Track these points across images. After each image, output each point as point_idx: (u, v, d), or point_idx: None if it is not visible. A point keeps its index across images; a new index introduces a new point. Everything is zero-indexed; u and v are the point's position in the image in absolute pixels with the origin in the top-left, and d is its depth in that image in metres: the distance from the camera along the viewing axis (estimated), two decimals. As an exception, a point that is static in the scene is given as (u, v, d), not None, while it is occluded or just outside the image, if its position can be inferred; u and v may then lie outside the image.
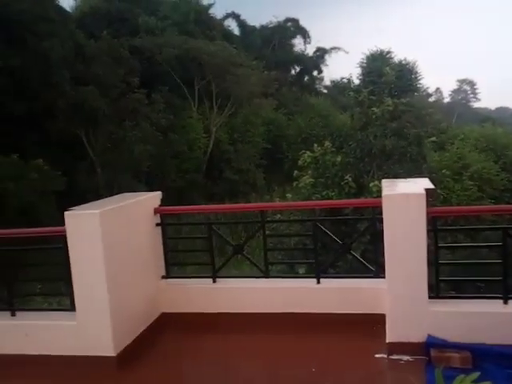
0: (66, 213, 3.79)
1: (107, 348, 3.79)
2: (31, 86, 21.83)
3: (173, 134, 27.21)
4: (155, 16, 33.82)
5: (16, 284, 4.29)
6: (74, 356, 3.83)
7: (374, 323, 4.00)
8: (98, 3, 32.74)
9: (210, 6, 38.99)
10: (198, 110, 31.16)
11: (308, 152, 15.06)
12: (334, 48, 46.93)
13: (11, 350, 3.97)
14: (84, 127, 23.47)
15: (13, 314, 4.13)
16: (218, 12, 43.21)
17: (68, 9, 29.98)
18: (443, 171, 14.97)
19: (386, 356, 3.67)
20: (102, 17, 30.76)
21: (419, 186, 3.79)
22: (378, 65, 32.25)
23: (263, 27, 44.76)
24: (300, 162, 15.08)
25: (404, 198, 3.66)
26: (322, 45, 47.43)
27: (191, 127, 29.54)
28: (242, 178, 30.36)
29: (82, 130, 23.51)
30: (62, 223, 3.90)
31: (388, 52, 35.73)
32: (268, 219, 5.16)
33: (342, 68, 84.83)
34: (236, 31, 44.23)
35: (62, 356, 3.86)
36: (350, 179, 13.54)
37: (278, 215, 11.92)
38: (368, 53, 36.54)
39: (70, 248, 3.80)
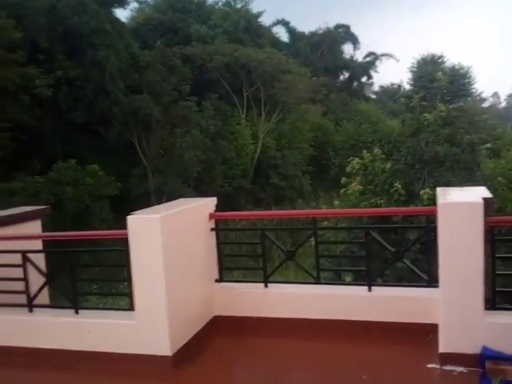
0: (128, 217, 3.98)
1: (164, 348, 3.94)
2: (88, 95, 22.83)
3: (221, 141, 27.65)
4: (206, 25, 34.57)
5: (80, 283, 4.53)
6: (133, 354, 4.00)
7: (426, 333, 3.97)
8: (152, 14, 33.85)
9: (260, 14, 39.46)
10: (247, 117, 31.52)
11: (356, 158, 14.90)
12: (384, 54, 46.34)
13: (75, 346, 4.18)
14: (137, 134, 24.28)
15: (76, 312, 4.36)
16: (267, 19, 43.59)
17: (124, 20, 31.17)
18: (498, 179, 14.42)
19: (438, 366, 3.64)
20: (156, 27, 31.75)
21: (476, 194, 3.74)
22: (429, 69, 31.50)
23: (312, 33, 44.77)
24: (348, 169, 14.92)
25: (461, 206, 3.62)
26: (371, 49, 46.93)
27: (239, 134, 29.92)
28: (289, 184, 30.41)
29: (136, 136, 24.32)
30: (115, 227, 4.08)
31: (440, 56, 34.86)
32: (318, 226, 5.19)
33: (392, 73, 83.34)
34: (285, 38, 44.52)
35: (121, 353, 4.03)
36: (399, 186, 13.27)
37: (326, 222, 11.88)
38: (419, 57, 35.78)
39: (131, 250, 3.98)
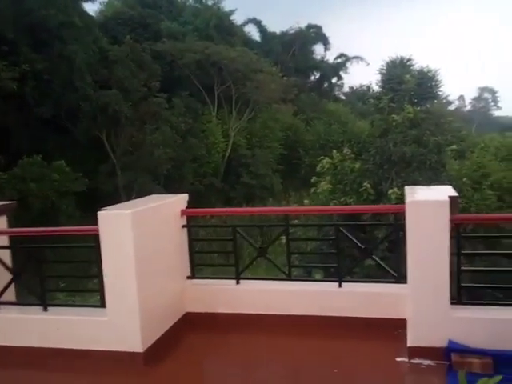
0: (99, 212, 3.93)
1: (135, 344, 3.92)
2: (55, 90, 22.30)
3: (192, 138, 27.50)
4: (177, 21, 34.27)
5: (47, 280, 4.44)
6: (104, 351, 3.96)
7: (394, 328, 4.07)
8: (122, 8, 33.31)
9: (232, 12, 39.35)
10: (218, 115, 31.44)
11: (326, 158, 15.10)
12: (355, 57, 46.97)
13: (43, 344, 4.11)
14: (106, 130, 23.89)
15: (45, 309, 4.28)
16: (239, 18, 43.54)
17: (92, 14, 30.55)
18: (463, 180, 14.87)
19: (407, 360, 3.74)
20: (125, 22, 31.26)
21: (442, 193, 3.86)
22: (398, 72, 32.10)
23: (284, 33, 44.97)
24: (318, 168, 15.12)
25: (428, 204, 3.73)
26: (342, 51, 47.54)
27: (210, 131, 29.82)
28: (260, 182, 30.50)
29: (104, 132, 23.93)
30: (82, 223, 4.02)
31: (409, 59, 35.51)
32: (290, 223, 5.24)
33: (362, 74, 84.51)
34: (256, 37, 44.55)
35: (92, 350, 3.99)
36: (368, 186, 13.54)
37: (296, 220, 12.01)
38: (388, 60, 36.43)
39: (102, 246, 3.94)
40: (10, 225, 5.21)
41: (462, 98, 59.40)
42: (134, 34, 28.57)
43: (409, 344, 3.78)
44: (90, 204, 14.14)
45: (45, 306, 4.29)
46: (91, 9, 43.17)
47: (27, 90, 21.40)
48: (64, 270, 10.69)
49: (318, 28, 45.94)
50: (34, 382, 3.95)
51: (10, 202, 5.35)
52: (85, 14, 26.67)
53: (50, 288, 4.95)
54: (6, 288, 4.35)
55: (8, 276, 4.38)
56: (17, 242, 4.76)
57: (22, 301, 4.70)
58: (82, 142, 23.71)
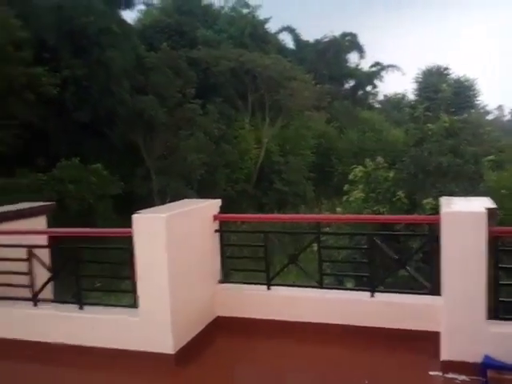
0: (134, 215, 4.01)
1: (167, 346, 3.96)
2: (94, 95, 22.91)
3: (225, 144, 27.73)
4: (212, 29, 34.72)
5: (83, 279, 4.55)
6: (135, 351, 4.02)
7: (427, 340, 3.98)
8: (159, 16, 34.00)
9: (266, 20, 39.63)
10: (251, 122, 31.62)
11: (359, 166, 14.96)
12: (390, 66, 46.46)
13: (77, 341, 4.21)
14: (142, 135, 24.36)
15: (81, 308, 4.39)
16: (273, 26, 43.74)
17: (131, 22, 31.31)
18: (502, 191, 14.46)
19: (441, 374, 3.65)
20: (162, 29, 31.89)
21: (480, 204, 3.77)
22: (434, 81, 31.66)
23: (318, 41, 44.93)
24: (351, 177, 14.99)
25: (465, 216, 3.65)
26: (377, 59, 47.13)
27: (243, 138, 29.99)
28: (292, 189, 30.45)
29: (140, 137, 24.41)
30: (117, 226, 4.09)
31: (445, 68, 35.10)
32: (322, 231, 5.22)
33: (397, 83, 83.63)
34: (290, 45, 44.70)
35: (123, 350, 4.06)
36: (402, 195, 13.33)
37: (327, 228, 11.92)
38: (424, 68, 35.95)
39: (136, 248, 4.01)
40: (49, 225, 5.39)
41: (500, 107, 57.99)
42: (171, 42, 29.13)
43: (442, 358, 3.69)
44: (126, 207, 14.45)
45: (80, 304, 4.39)
46: (130, 17, 44.26)
47: (67, 96, 22.08)
48: (99, 270, 10.96)
49: (353, 36, 45.70)
50: (65, 378, 4.04)
51: (50, 203, 5.53)
52: (123, 21, 27.36)
53: (86, 287, 5.07)
54: (44, 286, 4.48)
55: (47, 274, 4.52)
56: (55, 242, 4.91)
57: (59, 299, 4.84)
58: (118, 147, 24.27)
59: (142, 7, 37.20)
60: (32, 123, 20.20)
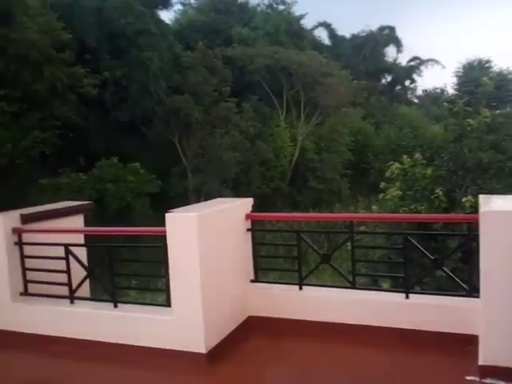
0: (166, 214, 4.05)
1: (198, 345, 3.99)
2: (132, 95, 23.39)
3: (260, 142, 27.76)
4: (248, 27, 34.79)
5: (119, 278, 4.64)
6: (168, 349, 4.07)
7: (465, 344, 3.86)
8: (196, 16, 34.36)
9: (302, 16, 39.41)
10: (286, 119, 31.52)
11: (396, 163, 14.64)
12: (430, 60, 45.35)
13: (112, 339, 4.29)
14: (178, 133, 24.70)
15: (115, 306, 4.47)
16: (309, 22, 43.49)
17: (168, 22, 31.76)
18: (546, 189, 13.87)
19: (478, 379, 3.53)
20: (198, 28, 32.18)
21: (520, 203, 3.62)
22: (475, 74, 30.66)
23: (354, 36, 44.35)
24: (387, 174, 14.68)
25: (504, 215, 3.51)
26: (415, 53, 46.09)
27: (278, 136, 29.94)
28: (327, 187, 30.21)
29: (176, 136, 24.76)
30: (154, 223, 4.14)
31: (487, 61, 33.93)
32: (355, 230, 5.13)
33: (436, 77, 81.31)
34: (326, 41, 44.29)
35: (156, 348, 4.11)
36: (440, 193, 12.95)
37: (363, 227, 11.72)
38: (465, 62, 34.90)
39: (168, 247, 4.05)
40: (89, 223, 5.53)
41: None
42: (207, 40, 29.36)
43: (480, 362, 3.57)
44: (162, 204, 14.67)
45: (115, 302, 4.47)
46: (167, 17, 44.94)
47: (106, 96, 22.64)
48: (137, 269, 11.19)
49: (391, 29, 44.85)
50: (99, 375, 4.13)
51: (87, 202, 5.67)
52: (160, 22, 27.80)
53: (123, 285, 5.17)
54: (81, 283, 4.59)
55: (83, 272, 4.63)
56: (92, 240, 5.03)
57: (95, 297, 4.96)
58: (155, 145, 24.69)
59: (179, 7, 37.78)
60: (73, 123, 20.81)
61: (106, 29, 23.64)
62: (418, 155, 14.39)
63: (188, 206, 4.54)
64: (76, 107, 21.09)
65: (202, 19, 33.12)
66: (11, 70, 18.30)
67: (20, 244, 4.68)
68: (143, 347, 4.15)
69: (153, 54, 24.00)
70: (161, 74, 24.32)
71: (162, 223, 4.08)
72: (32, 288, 4.73)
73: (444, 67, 47.00)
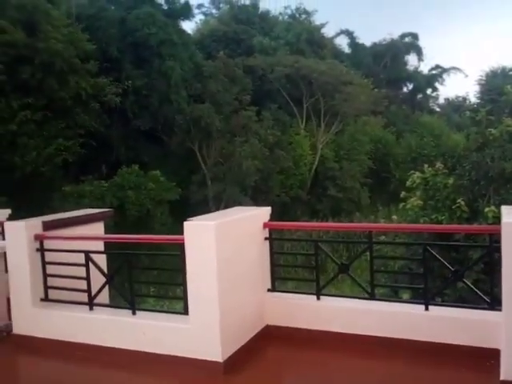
0: (185, 223, 4.08)
1: (215, 354, 3.99)
2: (153, 103, 23.69)
3: (279, 151, 27.76)
4: (269, 36, 34.98)
5: (138, 285, 4.68)
6: (185, 357, 4.07)
7: (485, 358, 3.78)
8: (217, 26, 34.70)
9: (323, 25, 39.52)
10: (305, 128, 31.50)
11: (417, 172, 14.46)
12: (452, 68, 44.93)
13: (130, 346, 4.32)
14: (198, 142, 24.89)
15: (133, 313, 4.50)
16: (330, 30, 43.55)
17: (189, 31, 32.16)
18: None
19: (499, 395, 3.45)
20: (220, 38, 32.49)
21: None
22: (499, 82, 30.21)
23: (376, 44, 44.20)
24: (408, 183, 14.50)
25: (526, 227, 3.45)
26: (437, 61, 45.76)
27: (298, 144, 29.92)
28: (347, 196, 30.01)
29: (196, 144, 24.94)
30: (174, 231, 4.15)
31: (511, 69, 33.37)
32: (374, 240, 5.08)
33: (458, 85, 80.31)
34: (347, 49, 44.25)
35: (173, 356, 4.12)
36: (462, 203, 12.74)
37: (383, 236, 11.59)
38: (488, 70, 34.44)
39: (187, 255, 4.08)
40: (109, 230, 5.60)
41: None
42: (228, 50, 29.64)
43: (502, 377, 3.48)
44: (182, 212, 14.78)
45: (133, 310, 4.51)
46: (188, 27, 45.56)
47: (127, 104, 22.97)
48: (154, 276, 11.26)
49: (413, 35, 44.48)
50: (115, 381, 4.16)
51: (107, 210, 5.75)
52: (182, 31, 28.15)
53: (141, 293, 5.21)
54: (100, 290, 4.64)
55: (102, 279, 4.68)
56: (112, 248, 5.09)
57: (114, 303, 5.01)
58: (175, 153, 24.91)
59: (201, 17, 38.27)
60: (95, 132, 21.16)
61: (128, 39, 24.04)
62: (439, 164, 14.21)
63: (206, 215, 4.57)
64: (98, 116, 21.44)
65: (223, 29, 33.42)
66: (36, 79, 18.72)
67: (42, 250, 4.77)
68: (160, 354, 4.17)
69: (174, 64, 24.28)
70: (182, 83, 24.58)
71: (182, 231, 4.11)
72: (52, 294, 4.80)
73: (467, 75, 46.50)
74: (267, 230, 4.80)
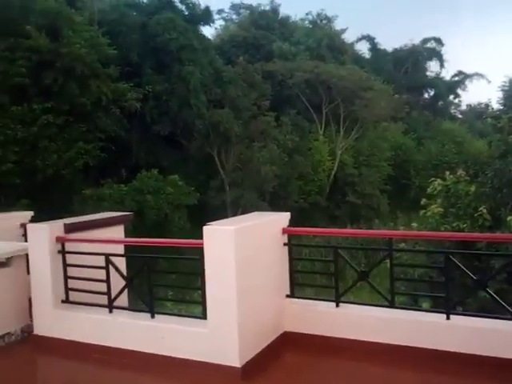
0: (204, 227, 4.09)
1: (233, 358, 3.98)
2: (172, 108, 23.88)
3: (298, 156, 27.72)
4: (289, 42, 35.04)
5: (157, 289, 4.70)
6: (203, 362, 4.07)
7: (509, 370, 3.70)
8: (237, 31, 34.91)
9: (343, 31, 39.48)
10: (325, 133, 31.41)
11: (438, 180, 14.29)
12: (475, 74, 44.38)
13: (148, 349, 4.33)
14: (217, 147, 24.99)
15: (152, 316, 4.52)
16: (351, 35, 43.47)
17: (210, 37, 32.40)
18: None
19: (522, 408, 3.37)
20: (239, 43, 32.68)
21: None
22: (522, 88, 29.68)
23: (397, 50, 43.93)
24: (429, 190, 14.34)
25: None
26: (459, 67, 45.27)
27: (317, 150, 29.84)
28: (366, 202, 29.80)
29: (215, 149, 25.05)
30: (192, 235, 4.13)
31: (535, 75, 32.72)
32: (395, 247, 5.02)
33: (481, 91, 79.27)
34: (367, 55, 44.06)
35: (191, 360, 4.12)
36: (484, 211, 12.54)
37: (403, 244, 11.45)
38: (511, 75, 33.84)
39: (205, 260, 4.08)
40: (128, 234, 5.64)
41: None
42: (247, 55, 29.78)
43: (526, 389, 3.41)
44: (200, 217, 14.82)
45: (152, 313, 4.52)
46: (209, 32, 45.99)
47: (147, 109, 23.20)
48: (172, 280, 11.31)
49: (437, 40, 44.05)
50: None
51: (127, 213, 5.80)
52: (202, 37, 28.36)
53: (160, 296, 5.22)
54: (120, 293, 4.67)
55: (122, 282, 4.71)
56: (131, 251, 5.13)
57: (133, 306, 5.03)
58: (194, 158, 25.05)
59: (221, 22, 38.55)
60: (116, 136, 21.40)
61: (149, 44, 24.32)
62: (461, 171, 14.02)
63: (225, 220, 4.57)
64: (119, 120, 21.70)
65: (243, 34, 33.60)
66: (58, 83, 19.02)
67: (63, 252, 4.83)
68: (178, 358, 4.17)
69: (194, 69, 24.45)
70: (201, 88, 24.74)
71: (199, 235, 4.12)
72: (72, 296, 4.85)
73: (489, 82, 45.77)
74: (286, 235, 4.78)
